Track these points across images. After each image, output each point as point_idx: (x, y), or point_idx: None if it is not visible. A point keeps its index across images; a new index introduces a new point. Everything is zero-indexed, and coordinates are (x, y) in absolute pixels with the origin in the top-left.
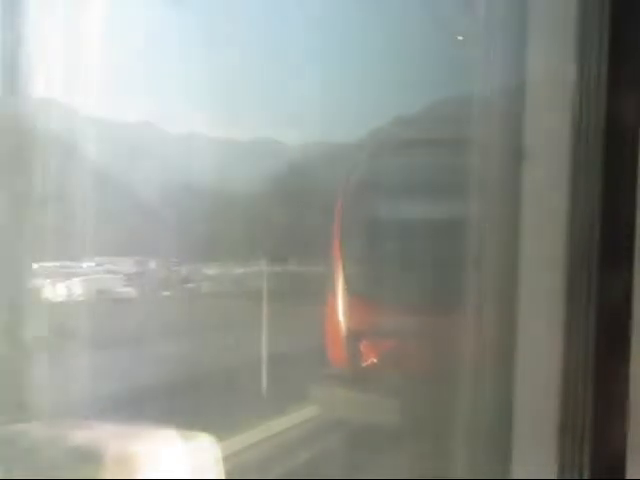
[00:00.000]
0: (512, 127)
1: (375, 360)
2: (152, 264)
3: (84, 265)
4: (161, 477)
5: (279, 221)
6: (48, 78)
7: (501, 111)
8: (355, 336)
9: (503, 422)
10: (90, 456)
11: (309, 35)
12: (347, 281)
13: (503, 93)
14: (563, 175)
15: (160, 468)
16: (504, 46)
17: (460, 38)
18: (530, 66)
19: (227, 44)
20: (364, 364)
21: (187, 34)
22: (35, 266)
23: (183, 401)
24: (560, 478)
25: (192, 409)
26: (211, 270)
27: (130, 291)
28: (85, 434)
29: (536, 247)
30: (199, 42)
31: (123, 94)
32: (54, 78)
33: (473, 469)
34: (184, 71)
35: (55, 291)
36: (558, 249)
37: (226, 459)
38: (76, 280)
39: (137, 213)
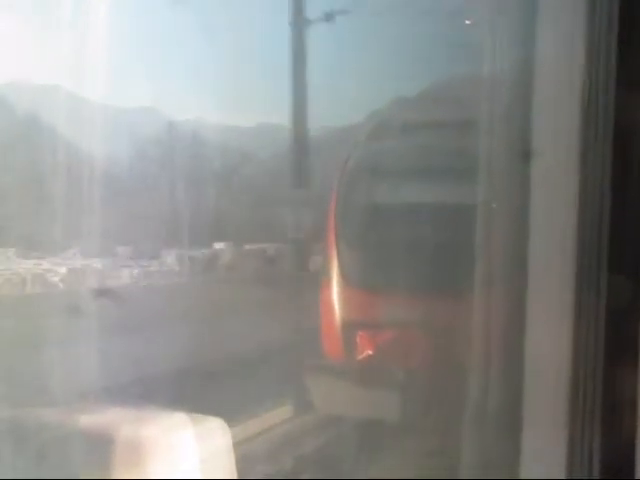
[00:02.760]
0: (519, 109)
1: (371, 352)
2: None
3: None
4: (170, 475)
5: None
6: (52, 64)
7: (507, 93)
8: (351, 327)
9: (510, 419)
10: (101, 440)
11: (312, 18)
12: (342, 270)
13: (509, 74)
14: (572, 162)
15: (171, 452)
16: (511, 26)
17: (467, 22)
18: (538, 48)
19: (230, 30)
20: (360, 356)
21: (191, 21)
22: None
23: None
24: (568, 478)
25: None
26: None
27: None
28: (96, 418)
29: (545, 236)
30: (203, 29)
31: (127, 80)
32: (58, 64)
33: (481, 467)
34: (188, 58)
35: None
36: (568, 235)
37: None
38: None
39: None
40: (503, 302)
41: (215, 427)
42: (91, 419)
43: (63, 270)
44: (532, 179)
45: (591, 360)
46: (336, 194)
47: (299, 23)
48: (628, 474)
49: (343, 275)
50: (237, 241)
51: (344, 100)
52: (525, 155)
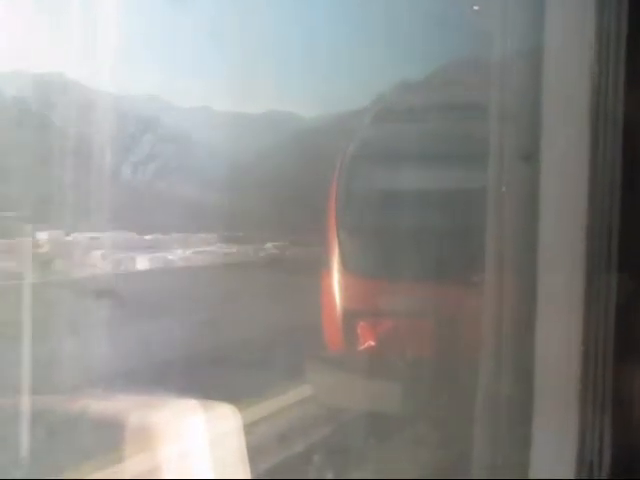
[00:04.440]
0: (528, 91)
1: (373, 342)
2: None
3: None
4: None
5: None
6: (56, 52)
7: (515, 79)
8: (354, 316)
9: (519, 415)
10: (112, 427)
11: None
12: (343, 258)
13: (517, 60)
14: (583, 145)
15: (181, 438)
16: (519, 8)
17: (476, 8)
18: (547, 29)
19: (239, 19)
20: (361, 347)
21: (199, 10)
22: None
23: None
24: (578, 477)
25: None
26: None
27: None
28: (107, 405)
29: (555, 232)
30: (211, 17)
31: (133, 69)
32: (63, 52)
33: (489, 465)
34: (196, 46)
35: None
36: (578, 232)
37: None
38: None
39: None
40: (508, 293)
41: (226, 412)
42: (103, 404)
43: None
44: (541, 172)
45: (601, 356)
46: (337, 180)
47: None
48: (638, 472)
49: (344, 263)
50: None
51: (350, 84)
52: (533, 147)
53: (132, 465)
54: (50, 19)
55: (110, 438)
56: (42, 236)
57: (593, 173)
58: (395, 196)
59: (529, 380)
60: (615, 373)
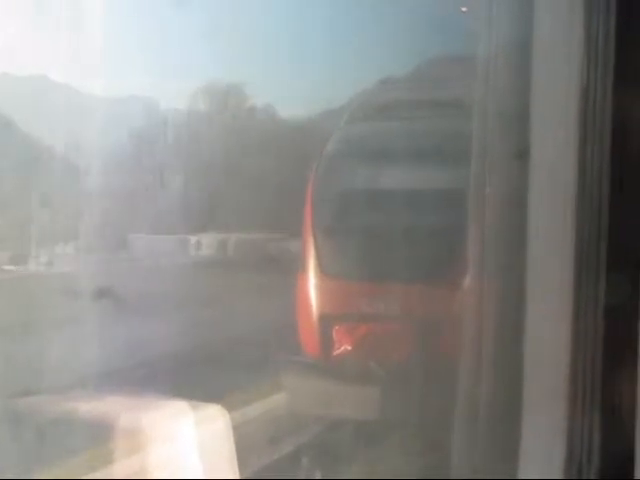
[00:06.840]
0: (516, 91)
1: (349, 347)
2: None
3: None
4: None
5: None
6: (39, 54)
7: (503, 74)
8: (330, 320)
9: (507, 419)
10: (101, 428)
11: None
12: (320, 260)
13: (503, 58)
14: (571, 145)
15: (170, 440)
16: (508, 6)
17: (464, 9)
18: (536, 27)
19: (227, 21)
20: (337, 352)
21: (189, 11)
22: None
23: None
24: (567, 478)
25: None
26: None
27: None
28: (95, 406)
29: (543, 233)
30: (201, 19)
31: (113, 70)
32: (45, 54)
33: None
34: (180, 49)
35: None
36: (568, 232)
37: None
38: None
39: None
40: (495, 295)
41: (214, 414)
42: (92, 406)
43: None
44: (529, 172)
45: (590, 357)
46: (313, 179)
47: None
48: (627, 474)
49: (321, 265)
50: None
51: (332, 81)
52: (521, 147)
53: (121, 467)
54: (35, 20)
55: (99, 439)
56: None
57: (582, 173)
58: (373, 197)
59: (518, 380)
60: (604, 374)
